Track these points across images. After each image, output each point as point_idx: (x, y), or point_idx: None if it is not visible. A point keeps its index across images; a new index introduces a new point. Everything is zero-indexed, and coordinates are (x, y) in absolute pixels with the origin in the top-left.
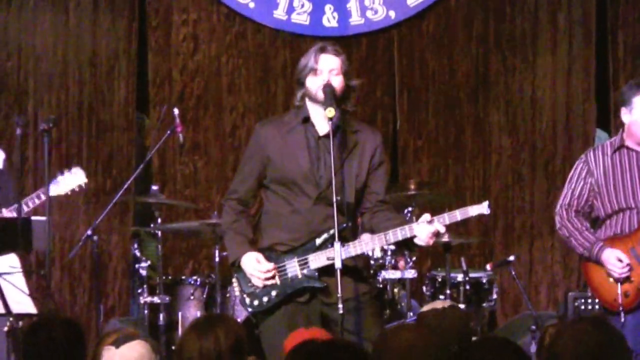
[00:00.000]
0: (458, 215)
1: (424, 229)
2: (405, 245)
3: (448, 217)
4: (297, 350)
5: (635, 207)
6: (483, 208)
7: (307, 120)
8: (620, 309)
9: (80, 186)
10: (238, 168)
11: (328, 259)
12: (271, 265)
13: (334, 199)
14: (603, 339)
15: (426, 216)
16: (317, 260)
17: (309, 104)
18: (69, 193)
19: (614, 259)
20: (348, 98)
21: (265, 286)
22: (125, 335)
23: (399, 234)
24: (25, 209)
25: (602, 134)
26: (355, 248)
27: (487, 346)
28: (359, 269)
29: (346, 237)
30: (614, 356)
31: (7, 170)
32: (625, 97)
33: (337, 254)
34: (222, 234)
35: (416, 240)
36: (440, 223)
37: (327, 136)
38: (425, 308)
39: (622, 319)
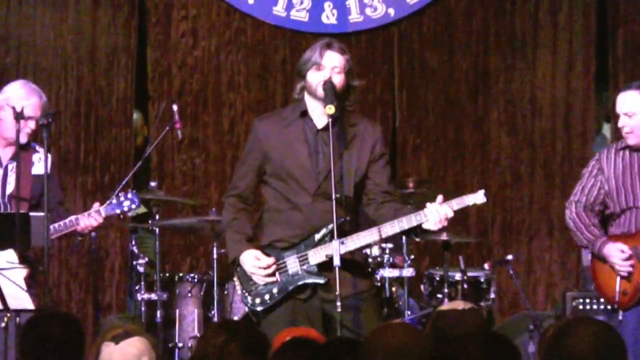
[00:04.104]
0: (454, 204)
1: (435, 212)
2: (414, 233)
3: (455, 203)
4: (295, 347)
5: None
6: (479, 197)
7: (304, 114)
8: (616, 306)
9: (133, 210)
10: (237, 164)
11: (327, 256)
12: (271, 260)
13: (333, 194)
14: (610, 340)
15: (439, 198)
16: (316, 255)
17: (308, 98)
18: (121, 217)
19: (616, 251)
20: (348, 97)
21: (266, 283)
22: (125, 331)
23: (413, 219)
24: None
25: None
26: (354, 242)
27: (479, 341)
28: (360, 264)
29: (346, 230)
30: (618, 357)
31: (54, 175)
32: None
33: (335, 251)
34: (223, 231)
35: (425, 225)
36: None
37: (325, 129)
38: (445, 307)
39: (620, 317)
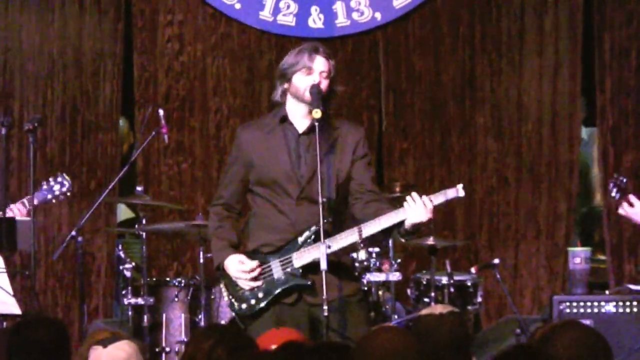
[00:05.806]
0: (433, 198)
1: (412, 201)
2: (399, 233)
3: (433, 197)
4: (285, 352)
5: None
6: (457, 191)
7: (284, 119)
8: None
9: (65, 194)
10: (222, 173)
11: (313, 260)
12: (255, 263)
13: (320, 197)
14: (595, 345)
15: (414, 194)
16: (300, 258)
17: (290, 101)
18: (54, 201)
19: None
20: (330, 103)
21: (252, 288)
22: (113, 334)
23: (393, 216)
24: (9, 213)
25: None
26: (338, 243)
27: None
28: (346, 268)
29: (329, 232)
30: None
31: None
32: None
33: (322, 255)
34: (208, 240)
35: (408, 220)
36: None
37: (305, 133)
38: (424, 312)
39: None
